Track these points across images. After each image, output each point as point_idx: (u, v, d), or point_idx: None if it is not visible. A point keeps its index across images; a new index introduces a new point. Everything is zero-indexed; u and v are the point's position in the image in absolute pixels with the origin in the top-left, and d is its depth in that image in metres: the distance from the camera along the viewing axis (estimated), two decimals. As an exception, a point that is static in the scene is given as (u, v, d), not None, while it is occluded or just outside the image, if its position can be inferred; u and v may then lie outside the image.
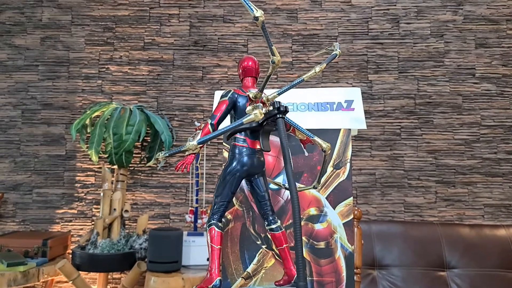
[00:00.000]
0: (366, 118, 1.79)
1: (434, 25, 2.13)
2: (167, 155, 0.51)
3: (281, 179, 0.87)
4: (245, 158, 0.58)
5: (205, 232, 1.78)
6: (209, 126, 0.59)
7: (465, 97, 2.09)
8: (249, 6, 0.49)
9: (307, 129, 0.67)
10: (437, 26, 2.13)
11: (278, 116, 0.56)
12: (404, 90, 2.11)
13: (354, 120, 0.87)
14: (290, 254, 0.60)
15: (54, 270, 1.76)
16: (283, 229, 0.61)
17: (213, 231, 0.59)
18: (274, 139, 0.86)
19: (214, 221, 0.60)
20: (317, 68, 0.61)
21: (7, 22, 2.23)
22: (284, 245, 0.61)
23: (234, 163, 0.59)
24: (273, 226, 0.61)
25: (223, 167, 0.61)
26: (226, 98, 0.60)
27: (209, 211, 0.97)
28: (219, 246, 0.58)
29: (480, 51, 2.10)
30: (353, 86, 2.11)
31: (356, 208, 1.05)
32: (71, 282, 1.72)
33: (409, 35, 2.13)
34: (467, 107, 2.09)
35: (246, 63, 0.69)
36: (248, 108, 0.54)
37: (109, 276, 2.02)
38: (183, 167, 0.58)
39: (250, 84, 0.68)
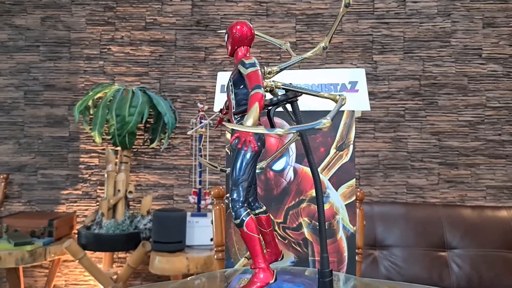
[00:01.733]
0: (370, 99, 1.77)
1: (441, 3, 2.08)
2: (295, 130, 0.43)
3: (284, 161, 0.87)
4: (263, 137, 0.54)
5: (208, 213, 1.80)
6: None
7: (471, 78, 2.06)
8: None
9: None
10: (444, 5, 2.08)
11: (294, 99, 0.55)
12: (409, 71, 2.08)
13: (358, 101, 0.86)
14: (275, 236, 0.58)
15: (60, 249, 1.79)
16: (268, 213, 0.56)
17: (251, 222, 0.48)
18: (277, 121, 0.85)
19: (247, 210, 0.49)
20: (322, 44, 0.58)
21: (6, 2, 2.20)
22: (268, 229, 0.56)
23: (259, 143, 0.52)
24: (262, 210, 0.57)
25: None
26: (258, 67, 0.53)
27: (212, 192, 0.97)
28: (258, 235, 0.49)
29: (488, 31, 2.07)
30: (357, 67, 2.08)
31: (358, 189, 1.05)
32: (77, 261, 1.76)
33: (416, 15, 2.09)
34: (473, 88, 2.06)
35: (243, 29, 0.58)
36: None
37: (114, 256, 2.06)
38: (247, 144, 0.49)
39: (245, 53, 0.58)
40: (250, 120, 0.45)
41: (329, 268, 0.51)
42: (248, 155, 0.51)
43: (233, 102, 0.55)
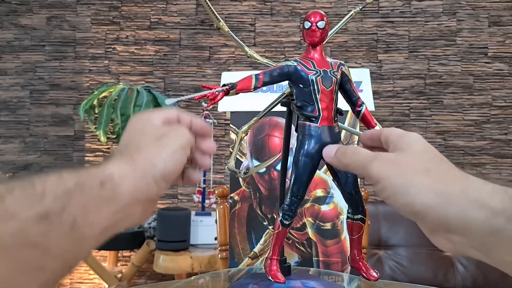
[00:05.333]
0: (374, 98, 1.77)
1: (447, 2, 2.07)
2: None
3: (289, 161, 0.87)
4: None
5: (212, 212, 1.80)
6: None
7: (477, 77, 2.05)
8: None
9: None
10: (450, 4, 2.07)
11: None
12: (414, 70, 2.07)
13: (362, 101, 0.86)
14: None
15: (65, 248, 1.80)
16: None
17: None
18: (281, 121, 0.85)
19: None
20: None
21: (13, 1, 2.21)
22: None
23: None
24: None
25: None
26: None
27: (216, 192, 0.97)
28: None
29: (493, 30, 2.05)
30: (362, 66, 2.07)
31: (363, 189, 1.05)
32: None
33: (421, 13, 2.08)
34: (478, 87, 2.05)
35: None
36: None
37: (119, 254, 2.07)
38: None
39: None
40: None
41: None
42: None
43: (335, 102, 0.49)
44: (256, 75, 0.48)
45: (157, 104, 1.93)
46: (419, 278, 1.65)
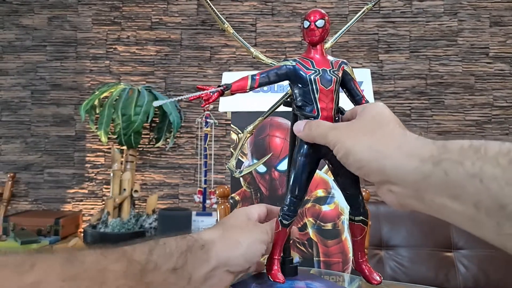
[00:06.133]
0: (375, 99, 1.76)
1: (448, 2, 2.07)
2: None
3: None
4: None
5: (213, 212, 1.80)
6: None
7: (478, 77, 2.05)
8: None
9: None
10: (451, 4, 2.06)
11: None
12: (415, 70, 2.07)
13: (364, 101, 0.86)
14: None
15: (66, 248, 1.80)
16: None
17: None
18: (282, 121, 0.85)
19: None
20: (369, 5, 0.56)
21: (14, 2, 2.22)
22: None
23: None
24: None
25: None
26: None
27: (217, 192, 0.97)
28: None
29: (495, 30, 2.05)
30: (363, 67, 2.07)
31: (364, 189, 1.05)
32: (83, 259, 1.77)
33: (422, 13, 2.08)
34: (480, 88, 2.04)
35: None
36: None
37: (120, 254, 2.06)
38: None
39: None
40: None
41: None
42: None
43: (335, 102, 0.48)
44: (252, 75, 0.47)
45: (158, 104, 1.93)
46: (420, 278, 1.65)
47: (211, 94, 0.45)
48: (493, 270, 1.66)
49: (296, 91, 0.49)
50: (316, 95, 0.47)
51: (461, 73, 2.05)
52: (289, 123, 0.53)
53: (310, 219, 0.85)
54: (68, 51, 2.20)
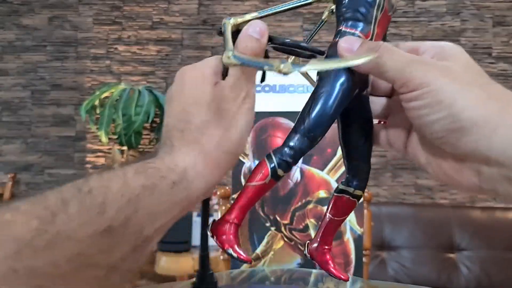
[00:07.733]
0: (377, 99, 1.76)
1: (451, 2, 2.05)
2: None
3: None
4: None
5: (214, 213, 1.79)
6: None
7: (480, 77, 2.04)
8: None
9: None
10: (454, 4, 2.05)
11: None
12: (417, 70, 2.06)
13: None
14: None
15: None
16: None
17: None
18: (283, 121, 0.84)
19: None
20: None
21: (14, 2, 2.21)
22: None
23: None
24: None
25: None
26: None
27: (218, 192, 0.96)
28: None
29: (498, 30, 2.03)
30: (364, 66, 2.07)
31: (366, 190, 1.04)
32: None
33: (424, 13, 2.07)
34: (482, 88, 2.03)
35: None
36: None
37: (120, 255, 2.06)
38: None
39: None
40: None
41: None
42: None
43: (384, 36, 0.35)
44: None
45: (158, 104, 1.92)
46: (423, 279, 1.64)
47: None
48: (496, 271, 1.65)
49: None
50: (378, 13, 0.32)
51: (464, 73, 2.04)
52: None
53: (312, 220, 0.84)
54: (69, 51, 2.19)
